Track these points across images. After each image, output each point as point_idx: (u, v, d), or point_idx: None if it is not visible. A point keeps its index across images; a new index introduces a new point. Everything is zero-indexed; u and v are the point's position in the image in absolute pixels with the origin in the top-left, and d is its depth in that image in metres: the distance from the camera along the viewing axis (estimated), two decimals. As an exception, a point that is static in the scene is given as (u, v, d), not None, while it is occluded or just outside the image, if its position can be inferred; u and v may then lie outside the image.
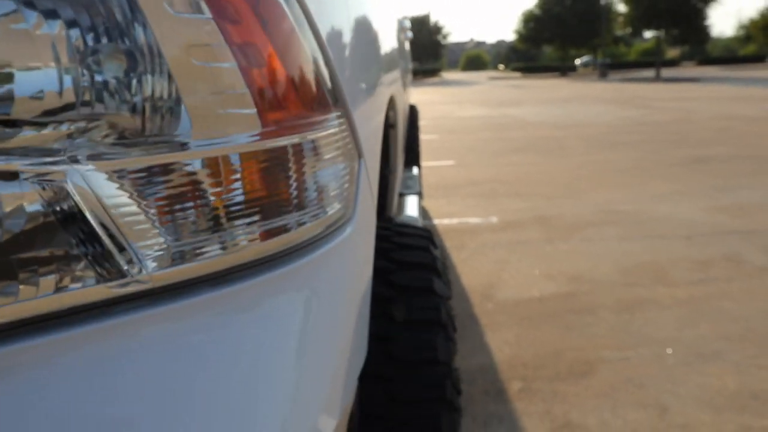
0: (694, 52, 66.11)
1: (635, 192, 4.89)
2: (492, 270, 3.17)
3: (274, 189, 0.45)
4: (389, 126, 1.26)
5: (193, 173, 0.40)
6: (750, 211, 4.13)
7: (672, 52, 65.76)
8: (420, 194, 2.35)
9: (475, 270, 3.16)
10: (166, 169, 0.38)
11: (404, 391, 0.77)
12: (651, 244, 3.50)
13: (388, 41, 1.30)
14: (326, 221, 0.52)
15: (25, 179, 0.34)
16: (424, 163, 5.64)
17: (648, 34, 48.97)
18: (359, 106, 0.65)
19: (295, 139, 0.46)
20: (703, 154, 6.66)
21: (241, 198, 0.42)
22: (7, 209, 0.34)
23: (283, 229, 0.46)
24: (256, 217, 0.44)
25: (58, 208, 0.35)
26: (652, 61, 44.60)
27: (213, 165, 0.40)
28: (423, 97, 20.11)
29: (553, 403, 1.92)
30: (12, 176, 0.34)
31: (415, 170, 3.24)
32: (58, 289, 0.36)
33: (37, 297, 0.35)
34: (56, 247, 0.36)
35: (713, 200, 4.49)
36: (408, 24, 3.83)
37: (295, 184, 0.47)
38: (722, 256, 3.25)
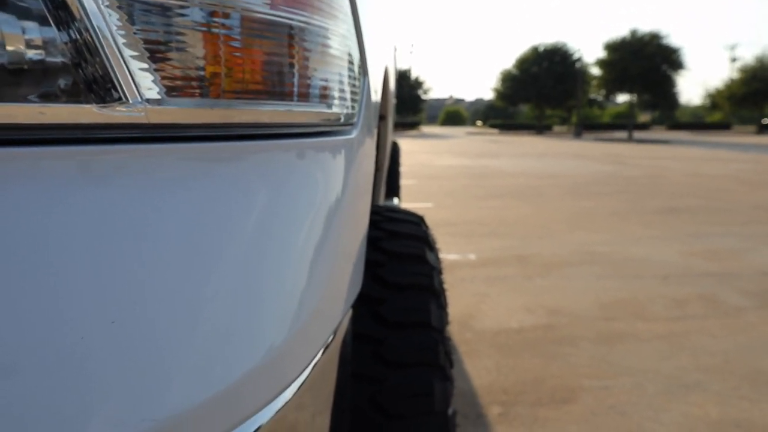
0: (664, 117, 68.60)
1: (611, 235, 4.95)
2: (471, 302, 3.14)
3: (276, 58, 0.43)
4: (380, 117, 1.25)
5: (198, 21, 0.37)
6: (723, 256, 4.19)
7: (643, 117, 68.08)
8: None
9: (454, 302, 3.12)
10: (170, 8, 0.36)
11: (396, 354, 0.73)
12: (628, 283, 3.51)
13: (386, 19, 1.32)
14: (329, 115, 0.50)
15: None
16: (403, 205, 5.64)
17: (621, 98, 50.90)
18: (369, 33, 0.64)
19: (302, 17, 0.44)
20: (675, 204, 6.81)
21: (240, 59, 0.40)
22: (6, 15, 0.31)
23: (283, 103, 0.44)
24: (254, 80, 0.42)
25: (59, 19, 0.33)
26: (625, 123, 46.14)
27: (216, 14, 0.39)
28: (402, 146, 20.37)
29: (533, 428, 1.86)
30: None
31: (395, 200, 3.31)
32: (47, 100, 0.33)
33: (22, 104, 0.32)
34: (50, 58, 0.33)
35: (687, 245, 4.55)
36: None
37: (297, 64, 0.45)
38: (698, 295, 3.26)
